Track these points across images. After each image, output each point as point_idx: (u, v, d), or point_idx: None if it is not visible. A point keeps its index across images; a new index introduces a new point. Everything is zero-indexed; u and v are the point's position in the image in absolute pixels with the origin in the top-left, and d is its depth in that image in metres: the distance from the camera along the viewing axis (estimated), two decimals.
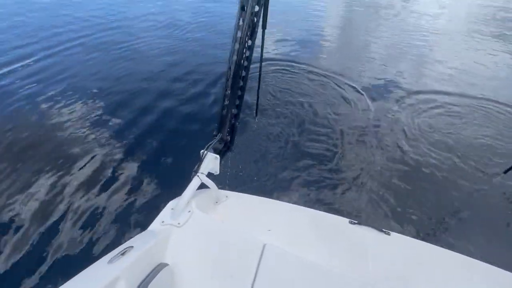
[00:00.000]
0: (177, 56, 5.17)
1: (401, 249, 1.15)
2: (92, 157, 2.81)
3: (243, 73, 1.24)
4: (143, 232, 1.02)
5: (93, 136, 3.11)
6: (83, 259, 1.95)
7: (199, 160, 1.24)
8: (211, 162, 1.27)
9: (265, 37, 1.27)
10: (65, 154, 2.83)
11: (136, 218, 2.25)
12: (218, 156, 1.28)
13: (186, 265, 0.96)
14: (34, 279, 1.84)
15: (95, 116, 3.43)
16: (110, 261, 0.80)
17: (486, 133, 3.48)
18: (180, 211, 1.08)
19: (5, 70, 4.31)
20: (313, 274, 0.93)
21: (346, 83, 4.46)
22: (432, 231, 2.30)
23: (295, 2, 9.41)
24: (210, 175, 1.27)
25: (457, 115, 3.85)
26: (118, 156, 2.86)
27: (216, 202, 1.31)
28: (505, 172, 2.62)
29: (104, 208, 2.32)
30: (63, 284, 0.72)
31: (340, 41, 6.54)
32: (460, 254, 1.12)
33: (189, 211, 1.10)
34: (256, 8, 1.10)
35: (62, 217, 2.23)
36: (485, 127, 3.61)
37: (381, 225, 1.22)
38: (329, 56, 5.65)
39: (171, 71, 4.64)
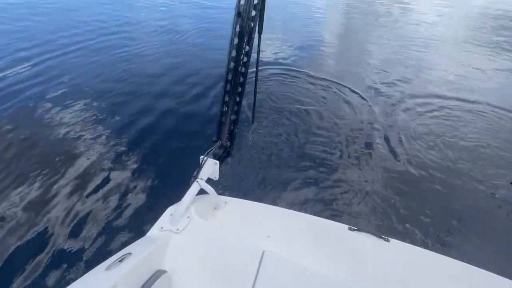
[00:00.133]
0: (178, 59, 5.23)
1: (401, 255, 1.15)
2: (91, 160, 2.81)
3: (241, 79, 1.25)
4: (142, 238, 1.01)
5: (92, 138, 3.12)
6: (79, 265, 1.93)
7: (199, 165, 1.24)
8: (210, 167, 1.27)
9: (262, 42, 1.28)
10: (63, 157, 2.83)
11: (135, 224, 2.23)
12: (217, 161, 1.28)
13: (185, 271, 0.95)
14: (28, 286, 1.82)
15: (94, 118, 3.45)
16: (108, 268, 0.79)
17: (492, 143, 3.43)
18: (179, 217, 1.08)
19: (7, 72, 4.34)
20: (312, 281, 0.92)
21: (346, 88, 4.49)
22: (432, 238, 2.29)
23: (295, 9, 9.54)
24: (209, 180, 1.27)
25: (457, 120, 3.86)
26: (117, 159, 2.86)
27: (215, 208, 1.30)
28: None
29: (102, 212, 2.30)
30: None
31: (340, 47, 6.60)
32: (460, 261, 1.11)
33: (188, 217, 1.10)
34: (253, 13, 1.11)
35: (59, 221, 2.21)
36: (495, 137, 3.57)
37: (380, 232, 1.21)
38: (329, 61, 5.70)
39: (171, 74, 4.68)
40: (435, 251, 1.16)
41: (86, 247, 2.05)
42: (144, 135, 3.25)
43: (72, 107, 3.63)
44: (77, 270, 1.90)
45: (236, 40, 1.13)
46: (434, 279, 1.07)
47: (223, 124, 1.31)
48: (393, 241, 1.18)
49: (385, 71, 5.29)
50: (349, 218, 2.37)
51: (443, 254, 1.14)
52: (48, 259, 1.96)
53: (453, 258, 1.12)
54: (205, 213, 1.20)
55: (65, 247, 2.04)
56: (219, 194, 1.29)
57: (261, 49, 1.32)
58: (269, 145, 3.16)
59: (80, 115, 3.49)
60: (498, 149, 3.34)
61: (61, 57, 4.95)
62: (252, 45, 1.19)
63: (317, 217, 1.30)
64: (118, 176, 2.66)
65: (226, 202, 1.33)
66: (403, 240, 1.19)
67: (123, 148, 3.02)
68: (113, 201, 2.41)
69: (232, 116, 1.31)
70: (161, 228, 1.05)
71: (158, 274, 0.88)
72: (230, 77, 1.21)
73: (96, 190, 2.50)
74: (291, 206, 2.43)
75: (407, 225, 2.36)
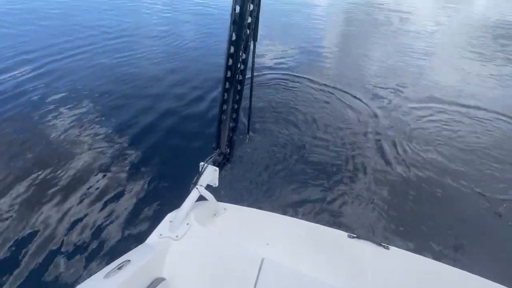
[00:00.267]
0: (179, 64, 5.28)
1: (400, 263, 1.15)
2: (89, 163, 2.81)
3: (238, 87, 1.26)
4: (141, 245, 1.01)
5: (92, 140, 3.13)
6: (77, 272, 1.90)
7: (198, 172, 1.24)
8: (210, 174, 1.27)
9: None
10: (60, 159, 2.83)
11: (134, 230, 2.21)
12: (217, 168, 1.29)
13: (184, 279, 0.95)
14: None
15: (94, 120, 3.47)
16: (107, 276, 0.79)
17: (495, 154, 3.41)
18: (178, 223, 1.08)
19: (9, 74, 4.37)
20: None
21: (347, 94, 4.51)
22: (431, 246, 2.27)
23: (296, 17, 9.64)
24: (208, 187, 1.28)
25: (458, 126, 3.87)
26: (117, 163, 2.86)
27: (215, 215, 1.30)
28: None
29: (100, 219, 2.28)
30: None
31: (340, 54, 6.66)
32: (459, 269, 1.11)
33: (188, 224, 1.10)
34: (249, 20, 1.11)
35: (57, 226, 2.19)
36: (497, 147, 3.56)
37: (380, 239, 1.21)
38: (329, 67, 5.74)
39: (172, 77, 4.73)
40: (435, 259, 1.16)
41: (83, 252, 2.03)
42: (144, 138, 3.26)
43: (72, 109, 3.65)
44: (74, 276, 1.87)
45: (232, 49, 1.13)
46: (433, 287, 1.06)
47: (222, 131, 1.32)
48: (393, 248, 1.17)
49: (386, 77, 5.33)
50: (349, 225, 2.36)
51: (442, 262, 1.14)
52: (43, 265, 1.93)
53: (452, 265, 1.12)
54: (204, 219, 1.20)
55: (61, 251, 2.02)
56: (218, 200, 1.30)
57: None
58: (270, 152, 3.16)
59: (81, 117, 3.51)
60: (500, 155, 3.34)
61: (63, 61, 4.99)
62: (248, 52, 1.19)
63: (317, 224, 1.30)
64: (117, 180, 2.66)
65: (225, 209, 1.33)
66: (402, 247, 1.19)
67: (123, 151, 3.02)
68: (112, 205, 2.40)
69: (230, 124, 1.32)
70: (160, 235, 1.05)
71: (157, 281, 0.88)
72: (227, 85, 1.22)
73: (94, 194, 2.49)
74: (290, 212, 2.43)
75: (407, 232, 2.35)
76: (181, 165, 2.87)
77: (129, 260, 0.87)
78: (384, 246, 1.17)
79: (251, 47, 1.19)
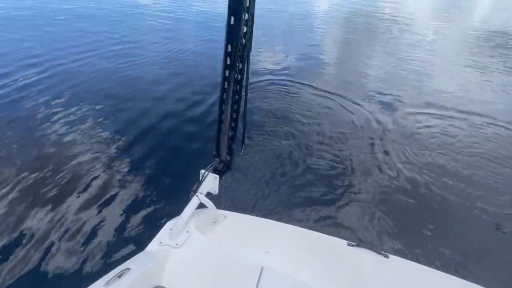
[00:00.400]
0: (180, 69, 5.35)
1: (400, 271, 1.14)
2: (88, 166, 2.82)
3: (236, 97, 1.27)
4: (141, 253, 1.01)
5: (91, 142, 3.15)
6: (76, 280, 1.88)
7: (199, 180, 1.25)
8: (210, 182, 1.28)
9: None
10: (62, 162, 2.83)
11: (134, 238, 2.20)
12: (217, 176, 1.30)
13: (184, 287, 0.95)
14: None
15: (95, 122, 3.50)
16: (107, 284, 0.80)
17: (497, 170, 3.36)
18: (178, 231, 1.08)
19: (12, 78, 4.41)
20: None
21: (347, 101, 4.54)
22: (432, 255, 2.25)
23: (296, 24, 9.76)
24: (208, 194, 1.28)
25: (459, 133, 3.88)
26: (117, 167, 2.86)
27: (214, 222, 1.31)
28: None
29: (100, 226, 2.27)
30: None
31: (340, 62, 6.72)
32: (459, 278, 1.11)
33: (187, 232, 1.10)
34: (244, 29, 1.10)
35: (56, 234, 2.18)
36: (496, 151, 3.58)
37: (379, 248, 1.21)
38: (330, 74, 5.79)
39: (173, 81, 4.79)
40: (434, 268, 1.15)
41: (82, 259, 2.01)
42: (144, 140, 3.28)
43: (75, 112, 3.68)
44: (73, 284, 1.86)
45: (228, 60, 1.14)
46: None
47: (222, 140, 1.34)
48: (392, 257, 1.17)
49: (386, 84, 5.36)
50: (349, 232, 2.35)
51: (442, 271, 1.13)
52: (41, 272, 1.91)
53: (451, 274, 1.12)
54: (204, 227, 1.20)
55: (63, 263, 2.00)
56: (218, 208, 1.30)
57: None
58: (269, 159, 3.16)
59: (83, 120, 3.54)
60: (499, 163, 3.34)
61: (68, 65, 5.04)
62: (245, 61, 1.20)
63: (317, 232, 1.30)
64: (117, 186, 2.66)
65: (225, 217, 1.33)
66: (402, 256, 1.19)
67: (123, 154, 3.04)
68: (112, 211, 2.39)
69: (230, 133, 1.34)
70: (160, 243, 1.05)
71: None
72: (225, 96, 1.23)
73: (93, 199, 2.48)
74: (290, 220, 2.42)
75: (407, 241, 2.33)
76: (181, 165, 2.91)
77: (129, 268, 0.87)
78: (383, 255, 1.17)
79: (248, 56, 1.20)
